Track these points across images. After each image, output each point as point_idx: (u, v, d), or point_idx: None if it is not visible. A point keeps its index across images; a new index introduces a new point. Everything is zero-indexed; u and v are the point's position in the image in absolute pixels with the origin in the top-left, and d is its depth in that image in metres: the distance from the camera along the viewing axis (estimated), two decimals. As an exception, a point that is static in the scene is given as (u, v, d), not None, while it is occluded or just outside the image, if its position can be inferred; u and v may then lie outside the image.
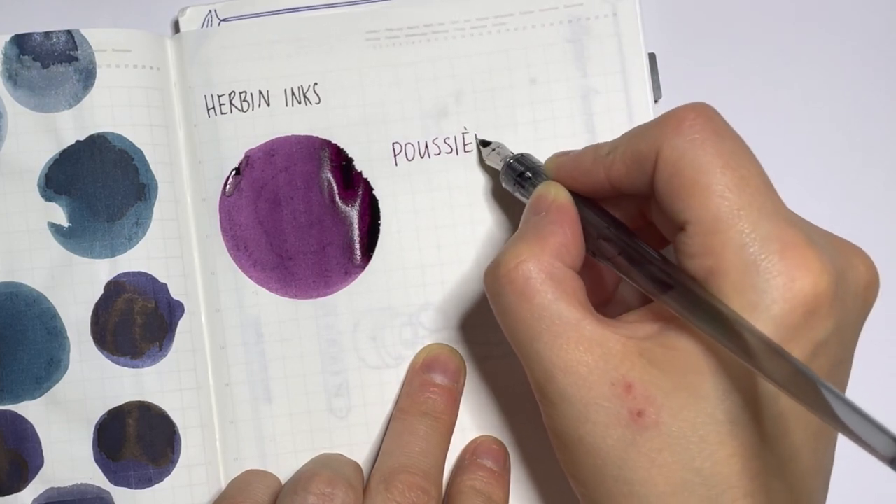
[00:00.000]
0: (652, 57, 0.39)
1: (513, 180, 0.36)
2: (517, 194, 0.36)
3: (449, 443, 0.37)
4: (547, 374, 0.30)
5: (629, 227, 0.33)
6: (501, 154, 0.37)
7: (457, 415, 0.38)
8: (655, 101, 0.39)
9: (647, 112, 0.38)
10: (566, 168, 0.34)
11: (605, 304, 0.35)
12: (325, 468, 0.35)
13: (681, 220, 0.29)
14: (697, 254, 0.29)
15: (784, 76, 0.41)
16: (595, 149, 0.33)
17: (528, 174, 0.35)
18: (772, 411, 0.28)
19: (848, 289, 0.29)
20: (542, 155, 0.37)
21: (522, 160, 0.36)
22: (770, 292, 0.28)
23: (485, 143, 0.38)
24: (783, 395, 0.28)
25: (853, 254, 0.30)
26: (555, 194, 0.33)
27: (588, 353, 0.29)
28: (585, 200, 0.33)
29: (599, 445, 0.29)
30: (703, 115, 0.30)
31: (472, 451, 0.38)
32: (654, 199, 0.31)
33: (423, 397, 0.37)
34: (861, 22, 0.41)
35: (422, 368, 0.38)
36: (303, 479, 0.35)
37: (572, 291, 0.30)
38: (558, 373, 0.30)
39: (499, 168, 0.37)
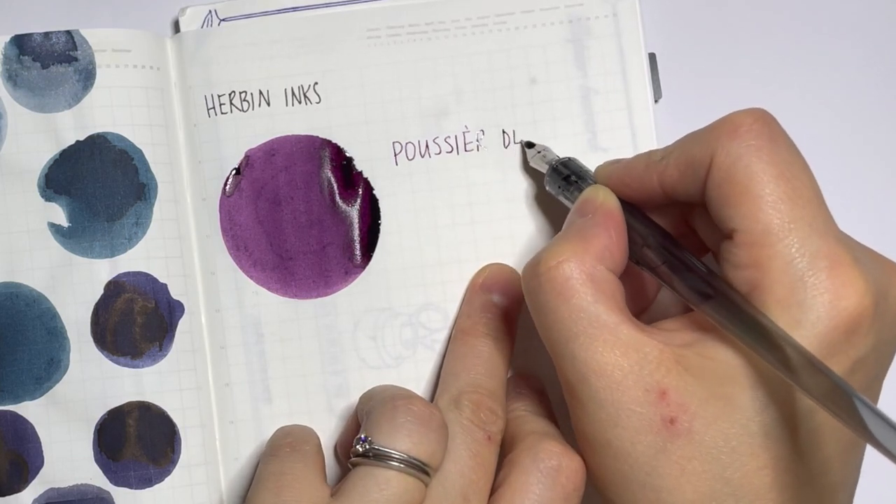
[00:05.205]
0: (652, 57, 0.39)
1: (557, 184, 0.36)
2: (561, 198, 0.36)
3: (510, 363, 0.36)
4: (580, 376, 0.30)
5: (672, 234, 0.32)
6: (547, 157, 0.37)
7: (515, 334, 0.37)
8: (655, 101, 0.39)
9: (647, 112, 0.38)
10: (617, 174, 0.33)
11: (642, 312, 0.35)
12: (406, 393, 0.34)
13: (728, 228, 0.29)
14: (743, 264, 0.29)
15: (784, 76, 0.41)
16: (647, 155, 0.32)
17: (574, 178, 0.35)
18: (808, 425, 0.28)
19: (888, 307, 0.29)
20: (542, 155, 0.37)
21: (568, 164, 0.36)
22: (815, 309, 0.28)
23: (529, 145, 0.38)
24: (820, 410, 0.27)
25: (894, 272, 0.30)
26: (603, 198, 0.32)
27: (624, 358, 0.29)
28: (631, 208, 0.33)
29: (628, 451, 0.29)
30: (760, 120, 0.30)
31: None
32: (702, 206, 0.30)
33: (484, 318, 0.37)
34: (861, 22, 0.41)
35: (482, 288, 0.38)
36: (403, 396, 0.33)
37: (611, 295, 0.30)
38: (592, 375, 0.29)
39: (543, 171, 0.37)
